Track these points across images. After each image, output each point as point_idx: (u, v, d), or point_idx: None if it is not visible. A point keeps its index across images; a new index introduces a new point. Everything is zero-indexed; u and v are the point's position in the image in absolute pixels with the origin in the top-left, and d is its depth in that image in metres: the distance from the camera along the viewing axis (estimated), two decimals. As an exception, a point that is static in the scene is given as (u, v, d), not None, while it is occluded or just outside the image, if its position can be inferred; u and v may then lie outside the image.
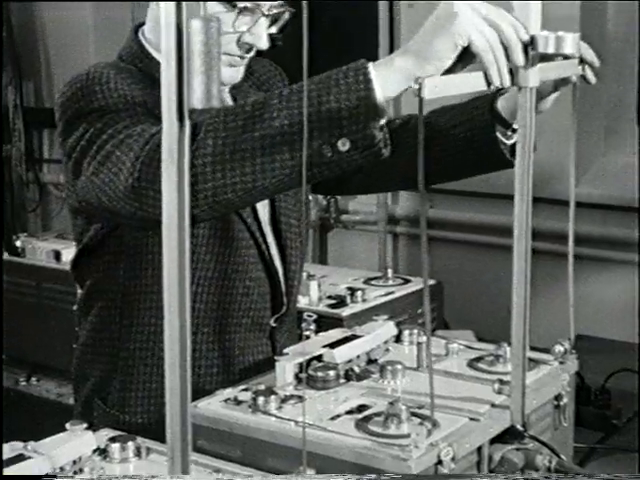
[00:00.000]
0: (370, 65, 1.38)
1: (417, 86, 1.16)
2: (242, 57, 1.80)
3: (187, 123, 0.80)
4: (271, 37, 1.80)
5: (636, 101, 3.27)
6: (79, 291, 1.96)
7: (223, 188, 1.45)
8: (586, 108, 3.15)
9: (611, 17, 3.24)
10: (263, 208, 1.91)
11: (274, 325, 1.93)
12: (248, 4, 1.74)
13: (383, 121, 1.39)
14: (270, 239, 1.93)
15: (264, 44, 1.78)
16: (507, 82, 1.37)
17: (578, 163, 3.10)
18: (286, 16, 1.80)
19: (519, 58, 1.36)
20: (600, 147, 3.31)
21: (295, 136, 1.40)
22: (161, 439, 1.15)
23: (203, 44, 0.80)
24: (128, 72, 1.78)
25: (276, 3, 1.78)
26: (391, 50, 3.49)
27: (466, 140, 1.82)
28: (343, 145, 1.38)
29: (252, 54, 1.81)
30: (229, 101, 1.92)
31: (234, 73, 1.82)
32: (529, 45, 1.32)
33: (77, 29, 4.36)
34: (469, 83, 1.33)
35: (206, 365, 1.86)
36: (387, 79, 1.37)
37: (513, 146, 1.70)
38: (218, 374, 1.87)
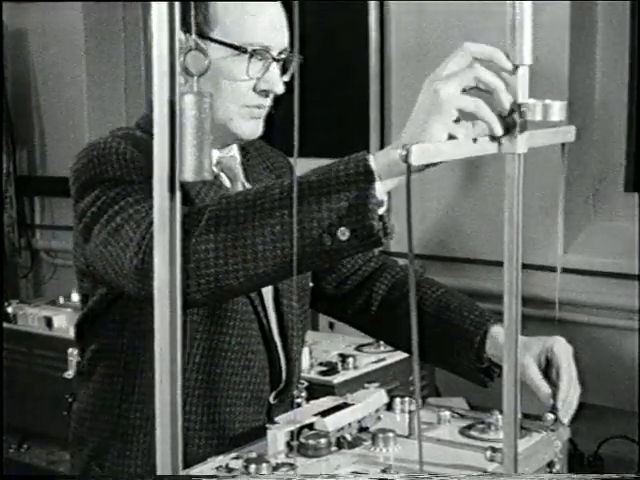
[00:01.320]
0: (370, 157, 1.43)
1: (404, 152, 1.17)
2: (260, 107, 1.82)
3: (178, 195, 0.81)
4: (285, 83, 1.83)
5: (624, 167, 3.30)
6: (70, 358, 1.96)
7: (225, 274, 1.48)
8: (574, 174, 3.18)
9: (599, 83, 3.28)
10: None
11: (273, 402, 1.93)
12: (257, 47, 1.77)
13: (382, 210, 1.44)
14: (272, 315, 1.93)
15: (280, 89, 1.81)
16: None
17: (566, 229, 3.15)
18: (295, 63, 1.81)
19: (505, 104, 1.34)
20: (588, 213, 3.33)
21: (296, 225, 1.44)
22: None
23: (195, 118, 0.81)
24: (144, 143, 1.80)
25: (285, 47, 1.81)
26: (382, 66, 3.51)
27: (445, 351, 1.95)
28: (343, 234, 1.42)
29: (270, 102, 1.83)
30: (238, 169, 1.94)
31: (254, 127, 1.85)
32: (516, 112, 1.34)
33: (71, 101, 4.40)
34: (457, 150, 1.34)
35: (205, 437, 1.85)
36: (386, 170, 1.42)
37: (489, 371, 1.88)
38: (217, 446, 1.85)
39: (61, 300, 3.56)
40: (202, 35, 1.77)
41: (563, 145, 1.47)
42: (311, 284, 2.05)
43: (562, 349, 1.77)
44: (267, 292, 1.92)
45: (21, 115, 4.50)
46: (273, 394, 1.92)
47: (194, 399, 1.84)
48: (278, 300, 1.94)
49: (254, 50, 1.77)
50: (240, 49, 1.77)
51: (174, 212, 0.80)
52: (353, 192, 1.42)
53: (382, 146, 3.54)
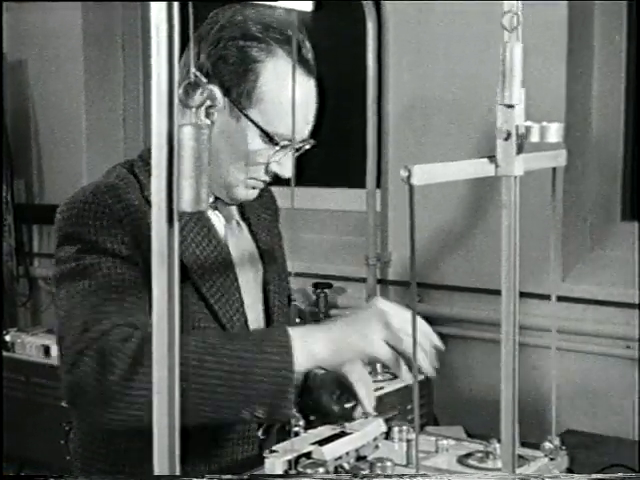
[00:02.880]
0: (290, 338, 1.65)
1: (406, 173, 1.17)
2: (264, 182, 1.92)
3: (176, 225, 0.82)
4: None
5: (620, 196, 3.31)
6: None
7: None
8: (570, 202, 3.19)
9: (595, 109, 3.30)
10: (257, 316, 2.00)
11: (262, 437, 1.93)
12: (286, 141, 1.85)
13: (293, 396, 1.64)
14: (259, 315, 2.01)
15: (288, 174, 1.88)
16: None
17: (564, 259, 3.15)
18: (307, 147, 1.92)
19: (428, 368, 1.75)
20: (586, 243, 3.34)
21: (220, 392, 1.62)
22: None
23: (193, 149, 0.82)
24: (134, 187, 1.86)
25: (305, 138, 1.91)
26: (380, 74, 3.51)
27: None
28: (258, 412, 1.63)
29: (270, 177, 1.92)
30: (233, 210, 2.02)
31: (251, 194, 1.94)
32: (514, 134, 1.35)
33: (69, 130, 4.42)
34: (461, 171, 1.35)
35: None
36: (306, 354, 1.64)
37: None
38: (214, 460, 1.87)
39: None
40: (239, 108, 1.84)
41: (554, 170, 1.48)
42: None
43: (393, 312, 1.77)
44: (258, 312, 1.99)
45: (19, 143, 4.52)
46: (261, 430, 1.94)
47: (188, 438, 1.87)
48: (267, 295, 2.03)
49: (283, 145, 1.85)
50: (272, 140, 1.84)
51: (172, 242, 0.81)
52: (271, 376, 1.62)
53: (379, 172, 3.55)
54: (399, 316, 1.70)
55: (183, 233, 1.85)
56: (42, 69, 4.42)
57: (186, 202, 0.82)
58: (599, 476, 1.32)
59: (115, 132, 4.50)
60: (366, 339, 1.67)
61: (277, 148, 1.85)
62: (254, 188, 1.92)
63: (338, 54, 3.68)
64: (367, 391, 1.90)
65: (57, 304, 1.78)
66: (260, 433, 1.91)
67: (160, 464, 0.92)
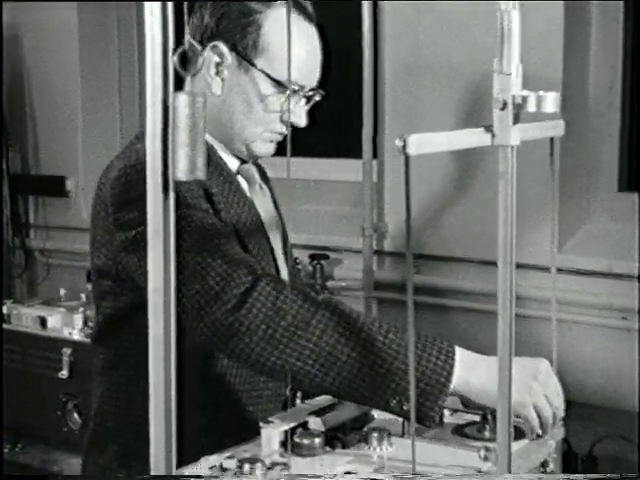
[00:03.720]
0: (455, 350, 1.70)
1: (402, 143, 1.17)
2: (281, 134, 1.97)
3: (171, 194, 0.81)
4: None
5: (617, 167, 3.30)
6: (64, 357, 1.96)
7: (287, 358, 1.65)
8: (568, 174, 3.18)
9: (592, 79, 3.28)
10: None
11: (288, 394, 1.95)
12: (296, 87, 1.93)
13: (443, 403, 1.64)
14: None
15: (303, 122, 1.98)
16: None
17: (561, 230, 3.15)
18: (317, 97, 2.00)
19: (548, 432, 1.68)
20: (582, 214, 3.33)
21: (379, 375, 1.63)
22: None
23: (189, 118, 0.82)
24: None
25: (315, 85, 1.98)
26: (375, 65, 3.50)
27: None
28: (406, 406, 1.60)
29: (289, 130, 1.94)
30: (256, 175, 2.07)
31: (271, 148, 2.00)
32: (510, 104, 1.34)
33: (65, 100, 4.40)
34: (457, 141, 1.34)
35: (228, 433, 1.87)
36: (461, 377, 1.65)
37: None
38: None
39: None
40: (246, 59, 1.91)
41: (552, 140, 1.47)
42: None
43: (549, 377, 1.73)
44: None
45: (14, 113, 4.50)
46: (288, 388, 1.94)
47: (221, 399, 1.93)
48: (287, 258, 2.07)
49: (294, 90, 1.93)
50: (282, 86, 1.91)
51: (168, 213, 0.80)
52: (428, 387, 1.62)
53: (375, 142, 3.53)
54: (554, 385, 1.71)
55: (222, 196, 1.90)
56: (37, 41, 4.39)
57: (182, 171, 0.81)
58: (598, 476, 1.32)
59: (111, 103, 4.48)
60: (519, 397, 1.64)
61: (288, 93, 1.90)
62: (272, 142, 1.98)
63: (333, 24, 3.65)
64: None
65: (134, 268, 1.80)
66: (287, 390, 1.94)
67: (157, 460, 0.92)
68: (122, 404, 1.94)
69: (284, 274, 2.02)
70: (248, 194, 2.02)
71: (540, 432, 1.68)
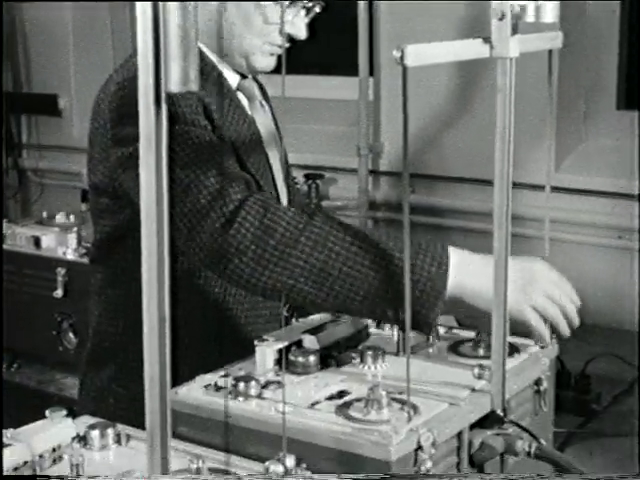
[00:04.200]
0: (449, 257, 1.64)
1: (399, 54, 1.14)
2: (280, 46, 1.94)
3: (164, 107, 0.80)
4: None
5: (616, 84, 3.27)
6: (59, 277, 1.96)
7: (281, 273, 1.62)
8: (565, 92, 3.15)
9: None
10: None
11: (287, 314, 1.95)
12: None
13: (439, 310, 1.62)
14: None
15: (303, 34, 1.95)
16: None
17: (558, 148, 3.13)
18: (317, 9, 1.96)
19: (565, 330, 1.69)
20: (580, 132, 3.31)
21: (372, 285, 1.61)
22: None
23: (180, 28, 0.79)
24: None
25: None
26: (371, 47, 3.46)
27: None
28: (402, 315, 1.49)
29: (288, 43, 1.95)
30: (256, 91, 2.05)
31: (271, 62, 1.97)
32: (509, 14, 1.32)
33: (58, 21, 4.35)
34: (455, 51, 1.32)
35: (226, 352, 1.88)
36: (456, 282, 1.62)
37: None
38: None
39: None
40: None
41: (550, 52, 1.45)
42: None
43: (545, 274, 1.72)
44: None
45: (5, 31, 4.44)
46: (285, 307, 1.95)
47: (219, 318, 1.93)
48: (287, 176, 2.07)
49: (292, 1, 1.90)
50: None
51: (160, 124, 0.79)
52: (423, 295, 1.60)
53: (371, 60, 3.49)
54: (554, 281, 1.70)
55: (222, 112, 1.89)
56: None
57: (174, 83, 0.80)
58: (592, 476, 1.32)
59: (103, 20, 4.42)
60: (517, 303, 1.62)
61: (287, 3, 1.88)
62: (272, 55, 1.95)
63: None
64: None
65: (130, 185, 1.78)
66: (285, 310, 1.94)
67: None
68: (120, 324, 1.94)
69: (282, 193, 2.02)
70: (248, 111, 2.00)
71: (550, 336, 1.68)
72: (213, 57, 1.94)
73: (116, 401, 1.92)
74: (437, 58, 1.25)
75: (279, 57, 1.97)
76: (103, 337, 1.99)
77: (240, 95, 2.00)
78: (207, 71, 1.91)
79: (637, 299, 2.85)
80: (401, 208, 1.29)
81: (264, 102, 2.07)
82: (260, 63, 1.96)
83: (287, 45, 1.94)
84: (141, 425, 1.00)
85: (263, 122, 2.03)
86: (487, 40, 1.28)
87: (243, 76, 2.00)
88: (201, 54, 1.90)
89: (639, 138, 2.93)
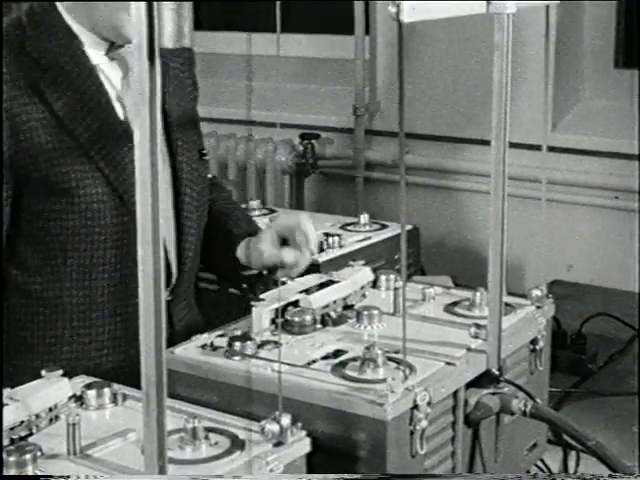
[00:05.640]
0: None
1: (395, 9, 1.13)
2: None
3: (157, 62, 0.78)
4: None
5: (613, 44, 3.25)
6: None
7: None
8: (563, 50, 3.14)
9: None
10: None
11: (169, 298, 1.91)
12: None
13: None
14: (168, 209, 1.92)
15: None
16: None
17: (555, 107, 3.12)
18: None
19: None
20: (577, 91, 3.30)
21: None
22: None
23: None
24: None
25: None
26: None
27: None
28: None
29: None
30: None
31: None
32: None
33: None
34: (451, 7, 1.30)
35: (112, 338, 1.87)
36: None
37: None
38: (121, 346, 1.87)
39: None
40: None
41: (547, 8, 1.44)
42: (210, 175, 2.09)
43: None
44: (166, 187, 1.91)
45: None
46: (167, 291, 1.90)
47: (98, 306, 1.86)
48: (178, 190, 1.93)
49: None
50: None
51: (154, 80, 0.78)
52: None
53: (367, 18, 3.47)
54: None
55: (66, 97, 1.78)
56: None
57: (168, 38, 0.78)
58: (587, 476, 1.32)
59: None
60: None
61: None
62: None
63: None
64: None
65: None
66: (167, 295, 1.89)
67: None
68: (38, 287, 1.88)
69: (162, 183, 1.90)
70: (117, 87, 1.85)
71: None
72: (80, 30, 1.81)
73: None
74: (433, 14, 1.23)
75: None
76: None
77: (111, 67, 1.86)
78: (66, 45, 1.81)
79: (636, 260, 2.85)
80: (396, 168, 1.28)
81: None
82: (132, 34, 1.80)
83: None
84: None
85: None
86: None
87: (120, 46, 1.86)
88: (68, 28, 1.81)
89: (639, 98, 2.92)
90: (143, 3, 0.76)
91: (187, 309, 1.99)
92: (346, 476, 1.26)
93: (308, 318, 1.60)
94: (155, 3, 0.76)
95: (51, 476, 1.15)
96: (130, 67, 1.85)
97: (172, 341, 1.64)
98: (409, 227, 2.39)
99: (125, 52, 1.85)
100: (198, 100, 2.06)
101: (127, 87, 1.85)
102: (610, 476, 1.35)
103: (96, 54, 1.84)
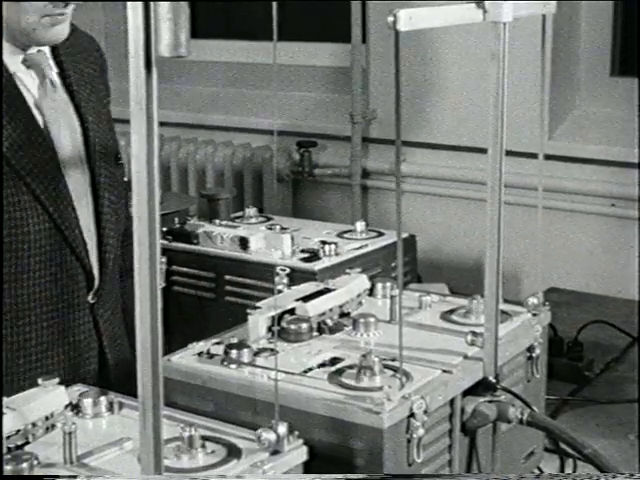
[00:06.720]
0: None
1: (392, 19, 1.13)
2: (62, 14, 1.77)
3: (154, 70, 0.79)
4: None
5: (610, 52, 3.25)
6: None
7: None
8: (559, 58, 3.14)
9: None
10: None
11: (93, 301, 1.91)
12: None
13: None
14: (88, 214, 1.91)
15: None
16: None
17: (551, 115, 3.12)
18: None
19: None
20: (574, 99, 3.30)
21: None
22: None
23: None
24: None
25: None
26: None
27: None
28: None
29: (71, 8, 1.78)
30: (47, 63, 1.87)
31: (59, 31, 1.79)
32: None
33: None
34: (448, 16, 1.30)
35: (40, 343, 1.85)
36: None
37: None
38: (50, 350, 1.87)
39: None
40: None
41: (544, 17, 1.44)
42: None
43: None
44: (85, 192, 1.90)
45: None
46: (91, 294, 1.91)
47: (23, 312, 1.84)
48: (97, 194, 1.92)
49: None
50: None
51: (150, 89, 0.78)
52: None
53: (364, 26, 3.47)
54: None
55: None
56: None
57: (165, 46, 0.78)
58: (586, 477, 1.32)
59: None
60: None
61: None
62: (56, 25, 1.77)
63: None
64: None
65: None
66: (90, 297, 1.91)
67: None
68: None
69: (80, 188, 1.89)
70: (34, 96, 1.83)
71: None
72: None
73: None
74: (430, 23, 1.24)
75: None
76: None
77: (28, 75, 1.83)
78: None
79: (636, 267, 2.86)
80: (393, 176, 1.28)
81: (56, 79, 1.88)
82: (45, 37, 1.78)
83: (70, 9, 1.77)
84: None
85: (53, 107, 1.85)
86: (480, 5, 1.27)
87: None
88: None
89: (639, 106, 2.92)
90: (140, 10, 0.77)
91: (110, 311, 1.98)
92: (350, 476, 1.26)
93: (304, 326, 1.60)
94: (152, 10, 0.76)
95: (57, 476, 1.15)
96: (46, 74, 1.85)
97: (99, 343, 1.88)
98: (405, 235, 2.39)
99: (40, 59, 1.84)
100: (111, 104, 2.04)
101: (45, 94, 1.84)
102: (613, 476, 1.34)
103: (13, 62, 1.81)
